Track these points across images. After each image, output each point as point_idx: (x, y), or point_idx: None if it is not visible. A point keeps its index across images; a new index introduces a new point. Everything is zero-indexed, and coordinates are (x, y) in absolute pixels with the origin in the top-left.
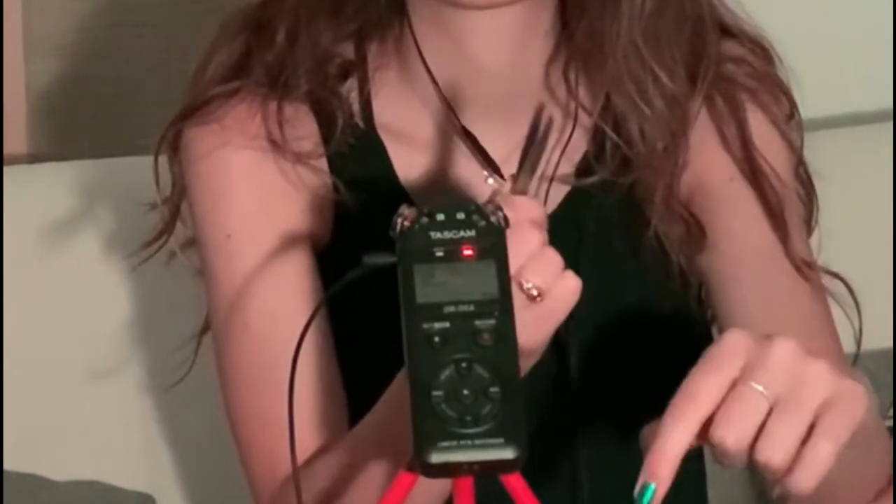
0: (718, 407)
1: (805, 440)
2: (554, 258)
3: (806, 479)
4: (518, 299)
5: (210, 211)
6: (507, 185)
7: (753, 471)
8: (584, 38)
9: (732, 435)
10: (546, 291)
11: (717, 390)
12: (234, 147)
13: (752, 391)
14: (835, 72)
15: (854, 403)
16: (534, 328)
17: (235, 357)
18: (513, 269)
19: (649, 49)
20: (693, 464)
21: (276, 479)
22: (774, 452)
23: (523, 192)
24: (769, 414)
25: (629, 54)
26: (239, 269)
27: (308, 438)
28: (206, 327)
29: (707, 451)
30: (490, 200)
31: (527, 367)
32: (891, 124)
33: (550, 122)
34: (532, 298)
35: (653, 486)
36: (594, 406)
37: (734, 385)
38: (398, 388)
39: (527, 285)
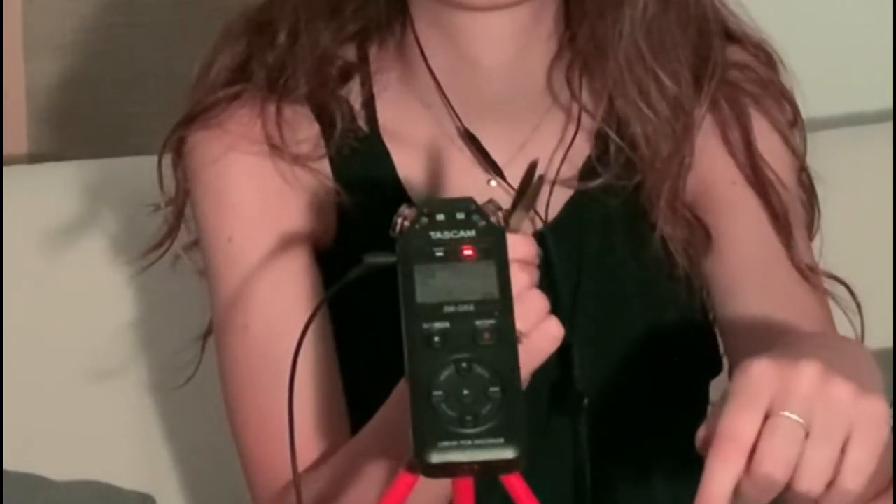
0: (757, 441)
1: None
2: (539, 302)
3: None
4: None
5: (212, 214)
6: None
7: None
8: (587, 40)
9: (780, 470)
10: (527, 334)
11: (754, 427)
12: (236, 152)
13: (789, 422)
14: (835, 72)
15: (877, 429)
16: None
17: (236, 358)
18: None
19: (652, 51)
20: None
21: (276, 484)
22: (815, 482)
23: (516, 231)
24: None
25: (631, 56)
26: (240, 270)
27: (307, 442)
28: (210, 328)
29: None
30: (490, 200)
31: None
32: (891, 124)
33: (542, 177)
34: None
35: None
36: (598, 412)
37: (767, 416)
38: (401, 392)
39: None
